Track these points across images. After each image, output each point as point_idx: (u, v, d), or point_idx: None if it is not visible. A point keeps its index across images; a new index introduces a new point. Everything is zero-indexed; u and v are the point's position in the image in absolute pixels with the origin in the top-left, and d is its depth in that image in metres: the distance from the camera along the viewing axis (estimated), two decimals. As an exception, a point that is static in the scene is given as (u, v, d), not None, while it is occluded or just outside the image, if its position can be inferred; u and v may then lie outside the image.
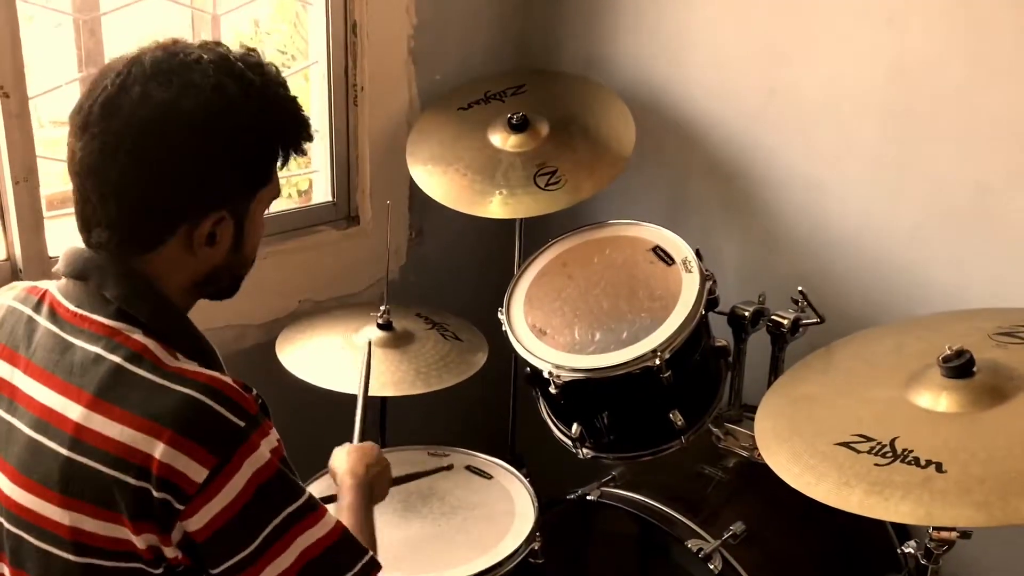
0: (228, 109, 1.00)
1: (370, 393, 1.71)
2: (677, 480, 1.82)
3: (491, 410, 2.26)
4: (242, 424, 0.97)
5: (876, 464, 1.19)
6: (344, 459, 1.34)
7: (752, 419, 1.86)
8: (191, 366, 1.01)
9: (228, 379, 1.00)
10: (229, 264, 1.10)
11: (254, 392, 1.02)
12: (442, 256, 2.30)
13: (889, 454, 1.20)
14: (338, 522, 1.04)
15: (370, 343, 1.72)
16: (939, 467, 1.15)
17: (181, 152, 0.99)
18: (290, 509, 0.99)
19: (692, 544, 1.62)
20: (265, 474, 0.97)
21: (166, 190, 1.00)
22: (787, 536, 1.76)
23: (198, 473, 0.94)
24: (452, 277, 2.30)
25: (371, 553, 1.07)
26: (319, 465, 1.50)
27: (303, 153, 1.12)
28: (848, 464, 1.21)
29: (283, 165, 1.10)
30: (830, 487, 1.18)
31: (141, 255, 1.03)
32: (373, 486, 1.30)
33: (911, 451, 1.19)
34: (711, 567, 1.59)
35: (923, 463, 1.16)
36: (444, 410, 2.09)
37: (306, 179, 2.19)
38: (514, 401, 2.19)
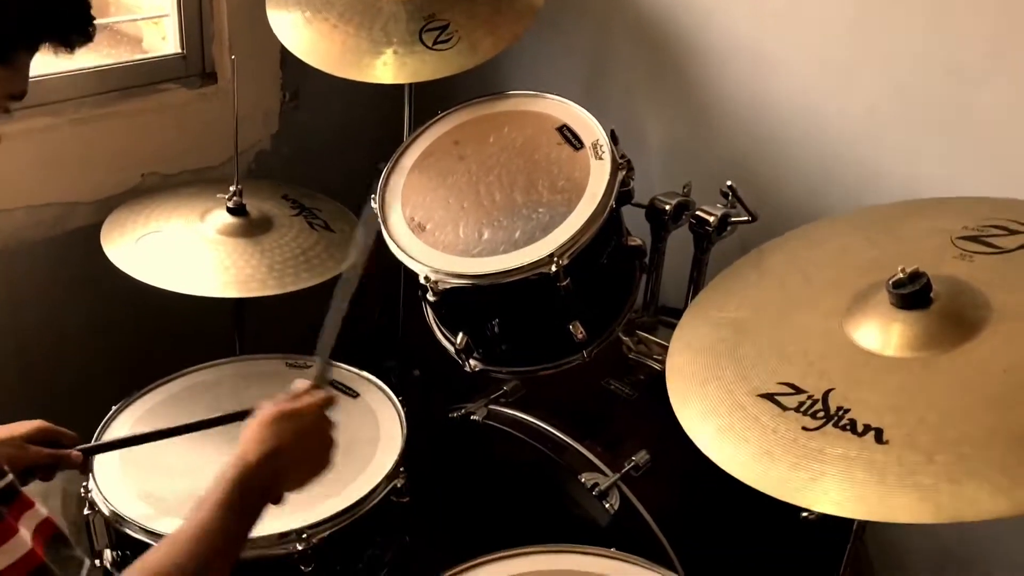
0: None
1: (211, 293, 1.41)
2: (578, 398, 1.59)
3: (374, 310, 1.98)
4: None
5: (804, 428, 0.95)
6: (256, 426, 0.97)
7: (669, 325, 1.63)
8: None
9: None
10: None
11: None
12: (322, 125, 1.96)
13: (820, 414, 0.96)
14: (35, 549, 0.78)
15: (376, 218, 1.32)
16: (879, 435, 0.91)
17: None
18: None
19: (586, 479, 1.40)
20: None
21: None
22: (695, 461, 1.55)
23: None
24: (333, 151, 1.96)
25: None
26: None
27: (66, 46, 0.84)
28: (772, 425, 0.97)
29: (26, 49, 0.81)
30: (747, 459, 0.95)
31: None
32: (278, 479, 0.95)
33: (847, 410, 0.95)
34: (607, 505, 1.38)
35: (860, 429, 0.92)
36: (316, 310, 1.80)
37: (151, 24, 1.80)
38: (403, 299, 1.91)
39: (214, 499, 0.91)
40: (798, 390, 0.99)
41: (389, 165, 1.52)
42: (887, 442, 0.90)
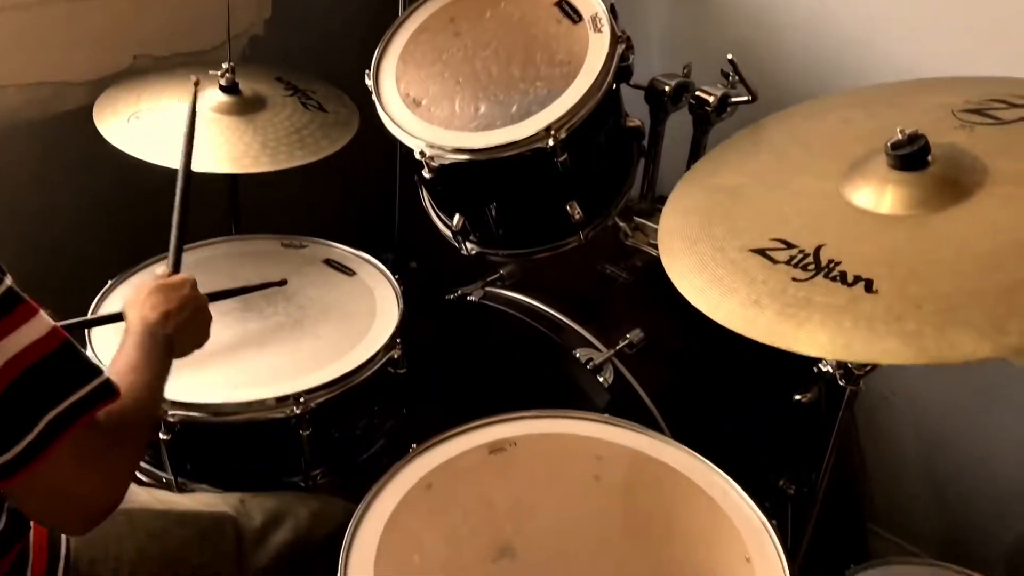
0: None
1: (204, 169, 1.40)
2: (575, 281, 1.59)
3: (371, 200, 1.97)
4: None
5: (794, 279, 0.95)
6: (140, 300, 1.08)
7: (666, 212, 1.62)
8: None
9: None
10: None
11: None
12: (316, 10, 1.91)
13: (811, 266, 0.95)
14: (57, 328, 0.80)
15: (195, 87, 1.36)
16: (868, 285, 0.91)
17: None
18: None
19: (581, 354, 1.41)
20: None
21: None
22: (691, 343, 1.56)
23: None
24: (328, 36, 1.92)
25: (105, 375, 0.84)
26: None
27: None
28: (761, 278, 0.97)
29: None
30: (735, 307, 0.95)
31: None
32: (174, 339, 1.05)
33: (838, 263, 0.95)
34: (601, 379, 1.39)
35: (850, 280, 0.92)
36: (313, 195, 1.80)
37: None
38: (400, 189, 1.90)
39: (132, 343, 1.00)
40: (790, 245, 0.99)
41: (383, 42, 1.49)
42: (876, 292, 0.90)
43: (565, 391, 1.46)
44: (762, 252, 0.99)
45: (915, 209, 1.00)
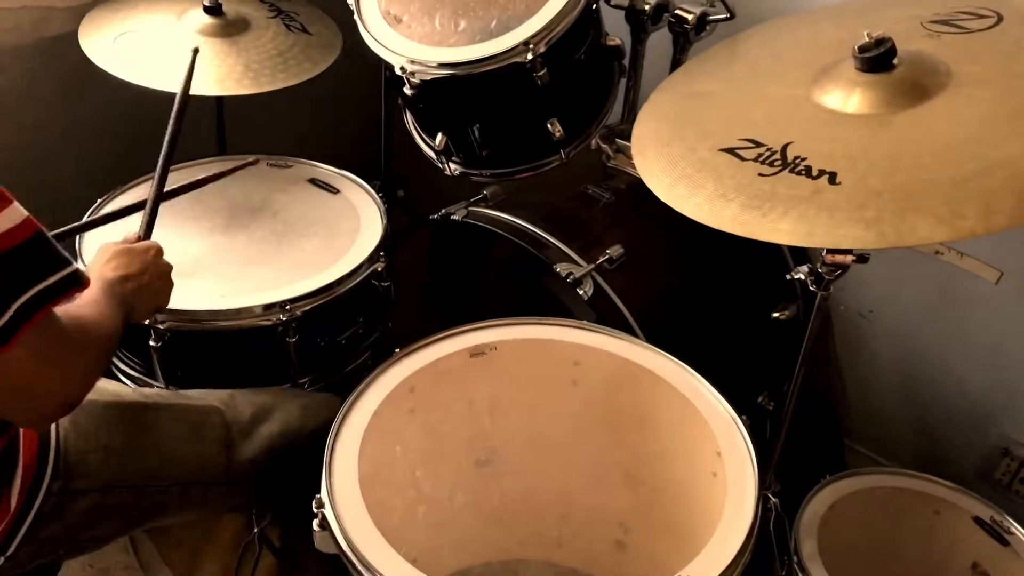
0: None
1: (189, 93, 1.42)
2: (557, 201, 1.62)
3: (360, 127, 1.98)
4: None
5: (760, 174, 0.98)
6: (103, 259, 1.11)
7: (648, 134, 1.64)
8: None
9: None
10: None
11: None
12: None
13: (778, 162, 0.98)
14: (31, 218, 0.82)
15: (193, 62, 1.35)
16: (832, 178, 0.94)
17: None
18: None
19: (561, 268, 1.44)
20: None
21: None
22: (671, 260, 1.60)
23: None
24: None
25: (76, 266, 0.86)
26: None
27: None
28: (729, 174, 1.00)
29: None
30: (702, 200, 0.98)
31: None
32: (132, 301, 1.08)
33: (803, 159, 0.98)
34: (580, 292, 1.42)
35: (815, 173, 0.95)
36: (299, 123, 1.82)
37: None
38: (386, 115, 1.91)
39: (95, 288, 1.01)
40: (758, 144, 1.02)
41: (364, -39, 1.49)
42: (839, 184, 0.93)
43: (546, 306, 1.50)
44: (731, 151, 1.02)
45: (880, 108, 1.02)
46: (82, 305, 0.96)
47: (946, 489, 1.41)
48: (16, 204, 0.81)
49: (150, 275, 1.12)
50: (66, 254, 0.87)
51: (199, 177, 1.34)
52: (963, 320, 1.62)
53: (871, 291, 1.72)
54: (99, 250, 1.15)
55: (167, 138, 1.27)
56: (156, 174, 1.26)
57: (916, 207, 0.88)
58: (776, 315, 1.60)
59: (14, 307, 0.80)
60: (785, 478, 1.43)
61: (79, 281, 0.86)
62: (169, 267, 1.17)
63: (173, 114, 1.29)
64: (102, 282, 1.06)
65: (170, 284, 1.17)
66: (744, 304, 1.65)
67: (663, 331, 1.47)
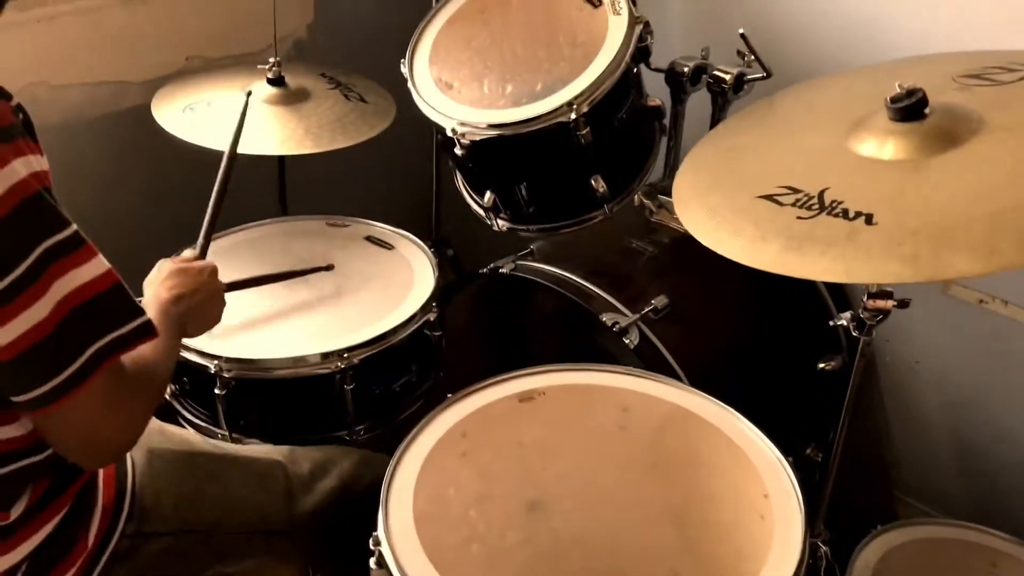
0: None
1: (251, 151, 1.51)
2: (602, 254, 1.67)
3: (412, 190, 2.07)
4: None
5: (799, 217, 1.02)
6: (159, 279, 1.15)
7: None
8: None
9: None
10: None
11: (14, 102, 0.82)
12: (356, 11, 2.03)
13: (815, 206, 1.02)
14: (112, 270, 0.87)
15: (247, 103, 1.45)
16: (869, 219, 0.97)
17: None
18: (50, 242, 0.81)
19: (607, 318, 1.48)
20: (18, 195, 0.79)
21: None
22: (716, 311, 1.63)
23: None
24: (366, 37, 2.03)
25: (147, 316, 0.91)
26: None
27: None
28: (768, 218, 1.04)
29: None
30: (744, 243, 1.02)
31: None
32: (184, 322, 1.12)
33: (840, 202, 1.01)
34: (627, 341, 1.46)
35: (851, 215, 0.99)
36: (357, 183, 1.91)
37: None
38: (437, 180, 1.99)
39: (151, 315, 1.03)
40: (795, 190, 1.06)
41: (417, 33, 1.59)
42: (876, 224, 0.97)
43: (593, 356, 1.53)
44: (769, 197, 1.06)
45: (914, 154, 1.06)
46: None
47: (1003, 541, 1.40)
48: (100, 256, 0.88)
49: (204, 295, 1.15)
50: (140, 305, 0.92)
51: (270, 273, 1.43)
52: (1010, 369, 1.62)
53: (917, 342, 1.73)
54: (156, 266, 1.19)
55: (225, 158, 1.34)
56: (214, 194, 1.31)
57: (952, 243, 0.91)
58: (822, 366, 1.62)
59: (89, 352, 0.85)
60: (835, 528, 1.43)
61: (150, 331, 0.91)
62: (223, 288, 1.20)
63: (232, 136, 1.36)
64: (156, 303, 1.10)
65: (222, 305, 1.20)
66: (790, 355, 1.67)
67: (709, 380, 1.49)
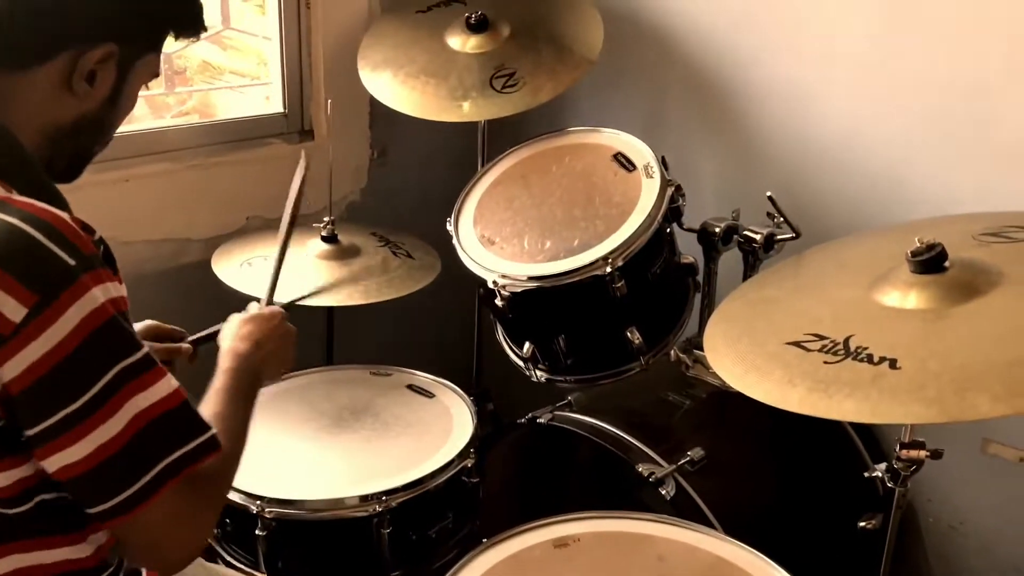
0: None
1: (302, 302, 1.60)
2: (639, 406, 1.70)
3: (454, 343, 2.14)
4: (72, 263, 0.84)
5: (825, 362, 1.05)
6: (234, 331, 1.20)
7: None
8: (22, 199, 0.88)
9: (64, 215, 0.88)
10: (98, 117, 0.99)
11: (97, 235, 0.90)
12: (406, 178, 2.17)
13: (841, 352, 1.06)
14: (180, 389, 0.92)
15: (305, 166, 1.56)
16: (893, 363, 1.01)
17: None
18: (123, 364, 0.87)
19: (644, 468, 1.49)
20: (96, 321, 0.85)
21: None
22: (753, 466, 1.63)
23: (15, 312, 0.82)
24: (415, 201, 2.16)
25: (213, 431, 0.95)
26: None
27: (191, 33, 1.05)
28: (796, 363, 1.08)
29: (169, 35, 1.03)
30: (771, 386, 1.05)
31: (9, 72, 0.92)
32: (262, 368, 1.17)
33: (865, 348, 1.05)
34: (663, 492, 1.47)
35: (876, 360, 1.02)
36: (401, 333, 1.98)
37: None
38: (479, 332, 2.07)
39: (222, 387, 1.09)
40: (822, 337, 1.10)
41: (463, 194, 1.70)
42: (900, 368, 1.00)
43: (629, 507, 1.53)
44: (796, 344, 1.10)
45: (936, 304, 1.10)
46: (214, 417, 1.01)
47: None
48: (169, 376, 0.93)
49: (277, 340, 1.20)
50: (205, 420, 0.96)
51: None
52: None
53: (959, 502, 1.70)
54: (228, 320, 1.23)
55: (287, 216, 1.48)
56: (279, 244, 1.42)
57: (975, 386, 0.94)
58: (863, 524, 1.60)
59: (156, 469, 0.89)
60: None
61: (214, 446, 0.95)
62: (294, 331, 1.24)
63: (294, 198, 1.50)
64: (233, 356, 1.13)
65: (294, 347, 1.24)
66: (828, 510, 1.65)
67: (746, 534, 1.48)
